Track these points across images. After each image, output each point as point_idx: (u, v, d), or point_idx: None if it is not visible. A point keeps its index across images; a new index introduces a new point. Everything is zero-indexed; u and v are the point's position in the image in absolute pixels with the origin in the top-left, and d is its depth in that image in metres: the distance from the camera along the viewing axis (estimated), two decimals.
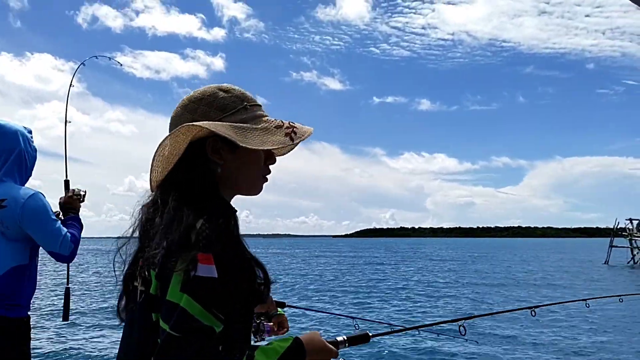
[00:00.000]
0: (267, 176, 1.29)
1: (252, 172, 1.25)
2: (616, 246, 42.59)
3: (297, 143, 1.22)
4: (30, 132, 2.75)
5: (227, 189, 1.23)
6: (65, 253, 2.62)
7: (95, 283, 24.61)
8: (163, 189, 1.18)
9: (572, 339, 11.74)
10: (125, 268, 1.21)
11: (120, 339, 1.23)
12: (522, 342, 11.27)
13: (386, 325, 3.19)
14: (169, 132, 1.19)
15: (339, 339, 1.37)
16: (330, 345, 1.21)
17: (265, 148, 1.17)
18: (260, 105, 1.26)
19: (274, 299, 1.95)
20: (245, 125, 1.18)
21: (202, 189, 1.15)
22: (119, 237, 1.22)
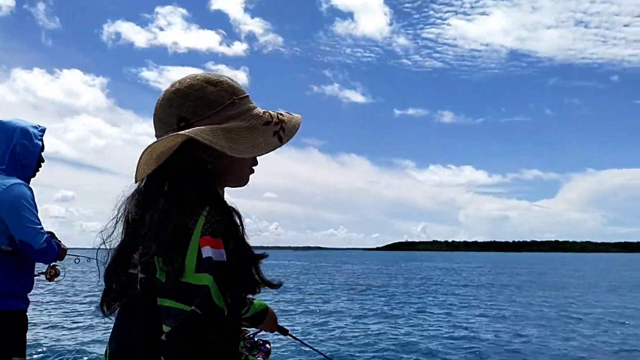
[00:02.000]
0: (254, 167, 1.28)
1: (241, 167, 1.24)
2: None
3: (286, 142, 1.20)
4: (41, 130, 2.84)
5: (217, 183, 1.20)
6: (35, 246, 2.59)
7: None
8: (153, 180, 1.17)
9: None
10: (109, 261, 1.19)
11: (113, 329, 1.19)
12: None
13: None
14: (155, 123, 1.21)
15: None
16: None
17: (255, 155, 1.18)
18: (248, 96, 1.23)
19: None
20: (234, 125, 1.16)
21: (197, 183, 1.14)
22: (101, 231, 1.21)
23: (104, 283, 1.19)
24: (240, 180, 1.27)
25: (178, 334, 0.96)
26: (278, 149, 1.21)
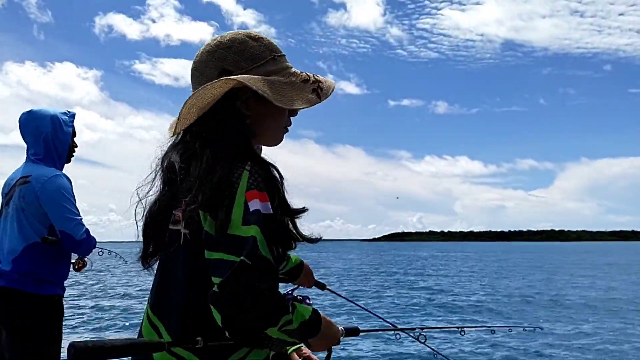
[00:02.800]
0: (289, 127, 1.31)
1: (277, 123, 1.27)
2: None
3: (324, 100, 1.24)
4: (71, 116, 2.87)
5: (251, 139, 1.23)
6: (76, 236, 2.66)
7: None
8: (194, 135, 1.18)
9: None
10: (147, 216, 1.21)
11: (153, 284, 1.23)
12: None
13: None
14: (193, 77, 1.23)
15: (340, 328, 1.38)
16: (337, 331, 1.28)
17: (296, 108, 1.20)
18: (285, 56, 1.27)
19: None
20: (276, 79, 1.19)
21: (238, 137, 1.16)
22: (137, 187, 1.22)
23: (142, 238, 1.22)
24: (276, 138, 1.30)
25: (231, 283, 0.97)
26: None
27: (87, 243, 2.77)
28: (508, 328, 2.99)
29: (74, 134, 2.95)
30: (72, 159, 3.00)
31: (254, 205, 1.03)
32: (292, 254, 2.05)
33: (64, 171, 2.87)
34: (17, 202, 2.69)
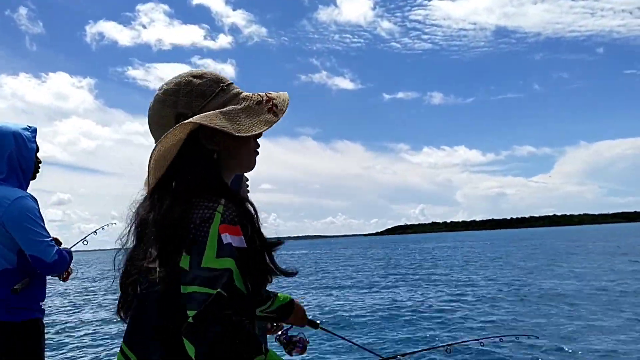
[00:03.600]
0: (258, 150, 1.32)
1: (246, 150, 1.28)
2: None
3: (281, 117, 1.26)
4: (33, 131, 2.75)
5: (224, 171, 1.25)
6: (47, 259, 2.56)
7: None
8: (163, 185, 1.19)
9: None
10: (122, 269, 1.23)
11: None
12: None
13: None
14: (152, 130, 1.25)
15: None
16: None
17: (256, 132, 1.21)
18: (232, 83, 1.29)
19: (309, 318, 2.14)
20: (232, 108, 1.21)
21: (208, 174, 1.18)
22: (119, 237, 1.24)
23: (120, 290, 1.23)
24: (248, 164, 1.31)
25: (205, 316, 0.96)
26: (273, 127, 1.25)
27: (60, 264, 2.65)
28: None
29: (37, 150, 2.81)
30: (37, 175, 2.87)
31: (227, 239, 1.04)
32: (284, 289, 2.09)
33: (28, 190, 2.75)
34: None
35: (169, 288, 1.08)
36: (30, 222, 2.56)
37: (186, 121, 1.14)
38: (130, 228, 1.23)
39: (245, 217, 1.13)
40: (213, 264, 1.02)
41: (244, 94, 1.27)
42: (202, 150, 1.18)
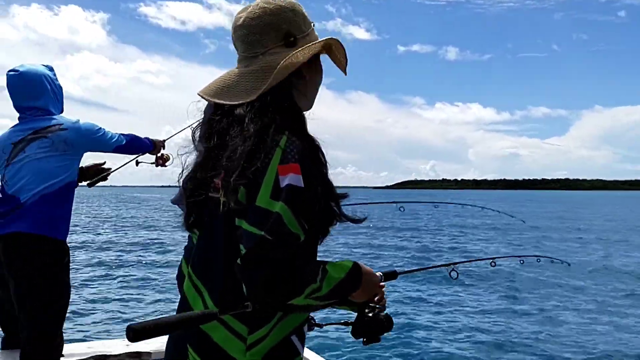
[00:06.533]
0: None
1: (318, 87, 1.30)
2: None
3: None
4: (51, 69, 2.93)
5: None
6: (121, 143, 2.98)
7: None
8: (249, 104, 1.16)
9: None
10: (186, 178, 1.22)
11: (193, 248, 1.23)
12: None
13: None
14: (246, 39, 1.20)
15: (378, 274, 1.29)
16: (377, 280, 1.23)
17: (345, 68, 1.30)
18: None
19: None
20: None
21: (292, 104, 1.18)
22: (179, 152, 1.25)
23: (184, 206, 1.23)
24: (311, 102, 1.29)
25: (249, 259, 0.99)
26: None
27: (135, 139, 3.06)
28: (536, 258, 3.07)
29: None
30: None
31: (284, 177, 1.03)
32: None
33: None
34: (50, 145, 2.69)
35: (233, 219, 1.09)
36: (99, 130, 2.86)
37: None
38: (198, 139, 1.23)
39: (307, 155, 1.09)
40: (266, 205, 1.02)
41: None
42: (288, 81, 1.17)
